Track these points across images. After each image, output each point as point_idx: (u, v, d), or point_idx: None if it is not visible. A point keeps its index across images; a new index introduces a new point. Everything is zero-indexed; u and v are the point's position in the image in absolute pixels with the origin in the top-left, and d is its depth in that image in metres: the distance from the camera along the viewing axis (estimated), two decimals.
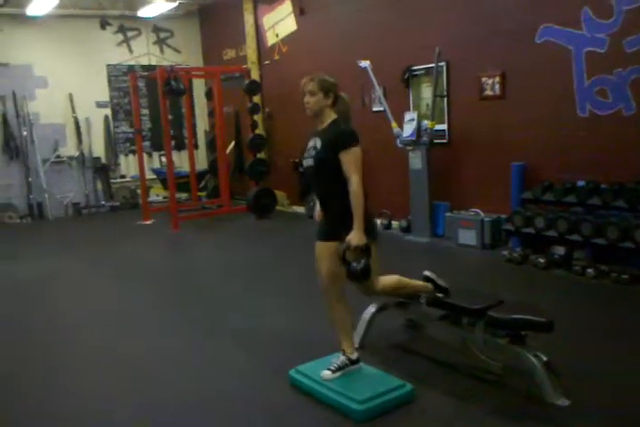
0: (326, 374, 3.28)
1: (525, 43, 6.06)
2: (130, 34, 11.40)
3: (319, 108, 3.24)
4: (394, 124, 7.21)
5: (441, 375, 3.45)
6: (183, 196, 10.82)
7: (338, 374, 3.28)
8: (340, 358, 3.35)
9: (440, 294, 3.57)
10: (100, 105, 11.18)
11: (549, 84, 5.92)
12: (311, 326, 4.32)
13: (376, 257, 3.20)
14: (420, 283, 3.60)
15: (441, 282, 3.61)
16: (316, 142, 3.24)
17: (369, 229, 3.15)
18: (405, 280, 3.54)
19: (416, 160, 7.06)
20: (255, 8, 10.19)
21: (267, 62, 10.22)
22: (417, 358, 3.70)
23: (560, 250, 5.52)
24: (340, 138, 3.13)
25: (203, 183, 11.05)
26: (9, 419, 3.26)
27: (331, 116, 3.26)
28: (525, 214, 5.74)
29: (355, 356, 3.37)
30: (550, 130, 5.96)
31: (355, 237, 3.04)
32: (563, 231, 5.35)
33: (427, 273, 3.66)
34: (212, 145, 10.70)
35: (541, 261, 5.52)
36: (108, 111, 11.28)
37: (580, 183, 5.51)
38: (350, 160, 3.09)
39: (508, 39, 6.24)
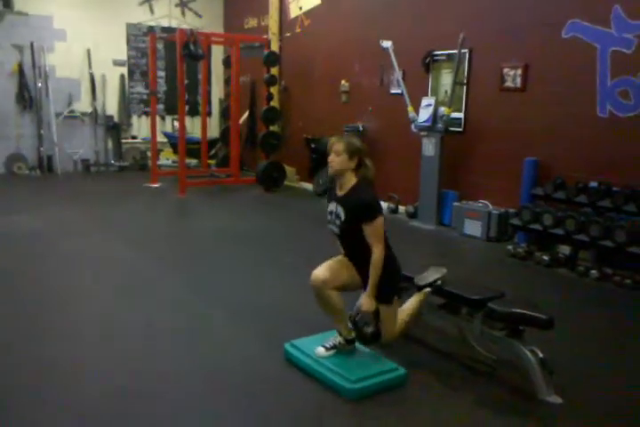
0: (320, 350, 3.31)
1: (551, 37, 5.98)
2: None
3: (341, 169, 3.25)
4: (410, 109, 7.17)
5: (435, 363, 3.48)
6: (193, 162, 10.81)
7: (332, 351, 3.32)
8: (336, 337, 3.37)
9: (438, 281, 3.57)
10: (116, 63, 11.11)
11: (571, 81, 5.85)
12: (310, 299, 4.32)
13: (397, 309, 3.41)
14: (417, 300, 3.58)
15: (431, 278, 3.58)
16: (337, 210, 3.27)
17: (393, 287, 3.36)
18: (409, 310, 3.54)
19: (429, 146, 7.03)
20: None
21: (288, 35, 10.11)
22: (412, 343, 3.72)
23: (565, 249, 5.49)
24: (362, 210, 3.17)
25: (213, 151, 11.02)
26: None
27: (351, 181, 3.26)
28: (534, 210, 5.71)
29: (351, 336, 3.39)
30: (567, 127, 5.91)
31: (365, 302, 3.19)
32: (570, 230, 5.32)
33: (419, 283, 3.62)
34: (225, 113, 10.65)
35: (545, 258, 5.50)
36: (124, 70, 11.21)
37: (593, 184, 5.49)
38: (373, 233, 3.16)
39: (535, 31, 6.16)
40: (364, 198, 3.20)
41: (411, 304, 3.58)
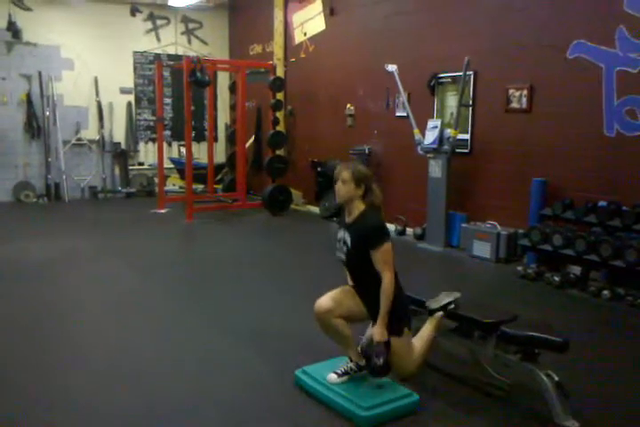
0: (332, 377, 3.26)
1: (557, 57, 5.99)
2: (159, 22, 11.46)
3: (349, 198, 3.26)
4: (416, 131, 7.18)
5: (448, 388, 3.42)
6: (199, 187, 10.83)
7: (344, 378, 3.27)
8: (347, 363, 3.33)
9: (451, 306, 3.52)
10: (123, 91, 11.24)
11: (577, 101, 5.86)
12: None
13: (410, 341, 3.32)
14: (431, 326, 3.49)
15: (444, 302, 3.51)
16: (345, 236, 3.27)
17: (402, 318, 3.26)
18: (424, 340, 3.44)
19: (436, 168, 7.02)
20: (285, 5, 10.18)
21: (293, 60, 10.20)
22: (425, 368, 3.65)
23: (576, 269, 5.44)
24: (369, 236, 3.16)
25: (219, 176, 11.06)
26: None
27: (359, 208, 3.27)
28: (543, 231, 5.66)
29: (362, 362, 3.34)
30: (575, 147, 5.90)
31: (377, 333, 3.11)
32: (580, 251, 5.28)
33: (430, 306, 3.54)
34: (231, 139, 10.71)
35: (556, 279, 5.44)
36: (131, 98, 11.32)
37: (602, 203, 5.45)
38: (381, 259, 3.13)
39: (539, 53, 6.18)
40: (371, 224, 3.20)
41: (424, 333, 3.48)
